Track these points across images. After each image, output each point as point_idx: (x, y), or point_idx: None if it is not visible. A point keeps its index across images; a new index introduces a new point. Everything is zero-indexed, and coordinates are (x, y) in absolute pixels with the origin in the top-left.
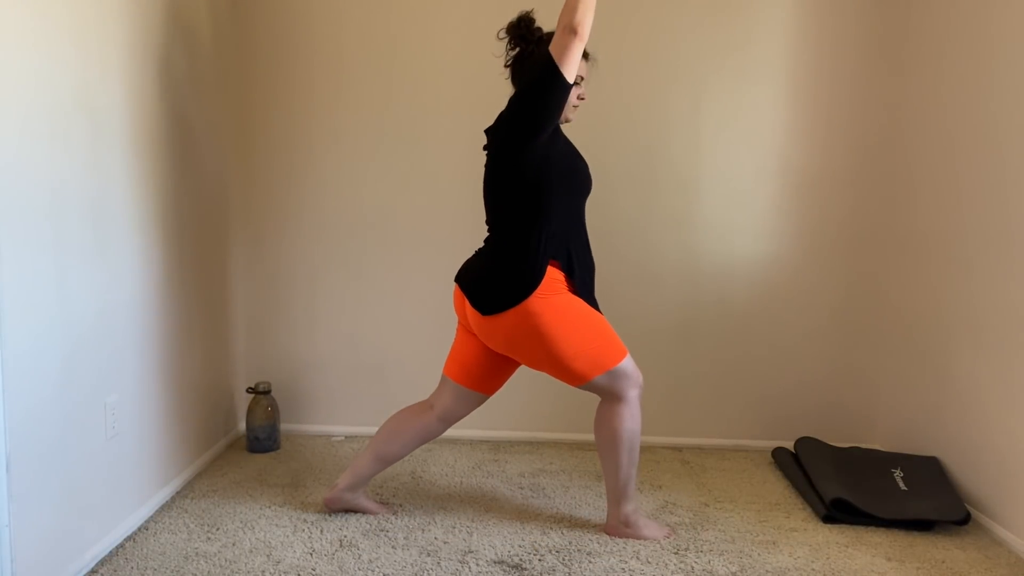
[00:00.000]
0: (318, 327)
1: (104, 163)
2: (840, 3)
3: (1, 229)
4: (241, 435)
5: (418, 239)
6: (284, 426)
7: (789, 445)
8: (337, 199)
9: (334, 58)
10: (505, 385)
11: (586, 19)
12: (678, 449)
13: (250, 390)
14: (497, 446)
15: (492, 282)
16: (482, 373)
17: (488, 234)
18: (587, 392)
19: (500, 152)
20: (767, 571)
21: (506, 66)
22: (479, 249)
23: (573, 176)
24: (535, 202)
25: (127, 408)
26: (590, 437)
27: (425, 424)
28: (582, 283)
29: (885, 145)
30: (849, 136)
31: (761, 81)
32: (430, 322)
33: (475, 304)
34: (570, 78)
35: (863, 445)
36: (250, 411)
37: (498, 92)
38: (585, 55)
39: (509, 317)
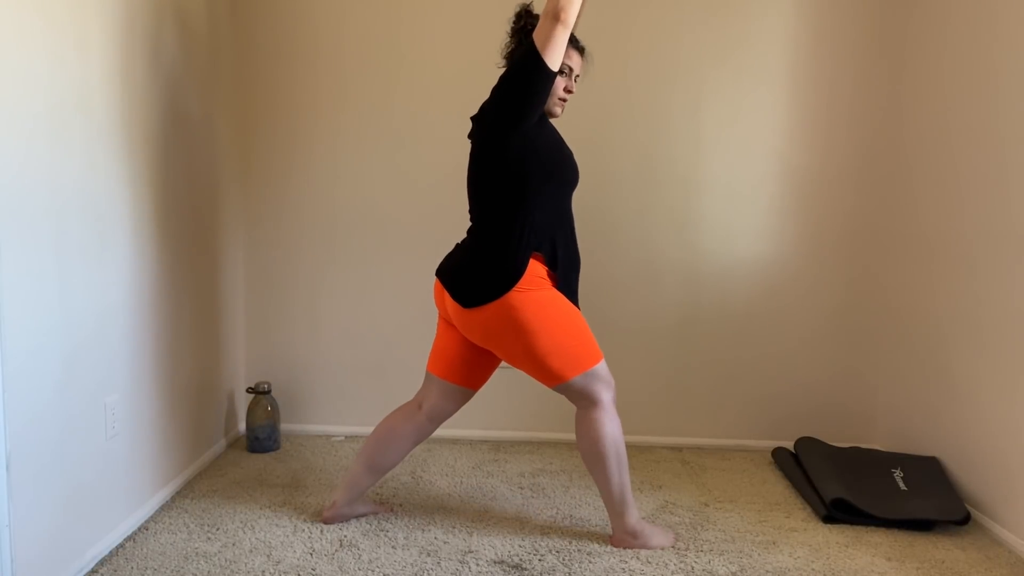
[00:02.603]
0: (318, 327)
1: (104, 163)
2: (840, 4)
3: (1, 229)
4: (241, 435)
5: (419, 239)
6: (284, 426)
7: (789, 445)
8: (338, 199)
9: (335, 58)
10: (505, 385)
11: (570, 6)
12: (678, 449)
13: (250, 390)
14: (497, 446)
15: (473, 274)
16: (466, 368)
17: (471, 225)
18: None
19: (483, 141)
20: (767, 571)
21: (503, 56)
22: (460, 242)
23: (559, 167)
24: (519, 193)
25: (127, 408)
26: None
27: (416, 426)
28: (565, 278)
29: (885, 145)
30: (849, 136)
31: (761, 82)
32: (430, 322)
33: (455, 296)
34: (553, 66)
35: (863, 445)
36: (250, 411)
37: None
38: (581, 50)
39: (489, 310)
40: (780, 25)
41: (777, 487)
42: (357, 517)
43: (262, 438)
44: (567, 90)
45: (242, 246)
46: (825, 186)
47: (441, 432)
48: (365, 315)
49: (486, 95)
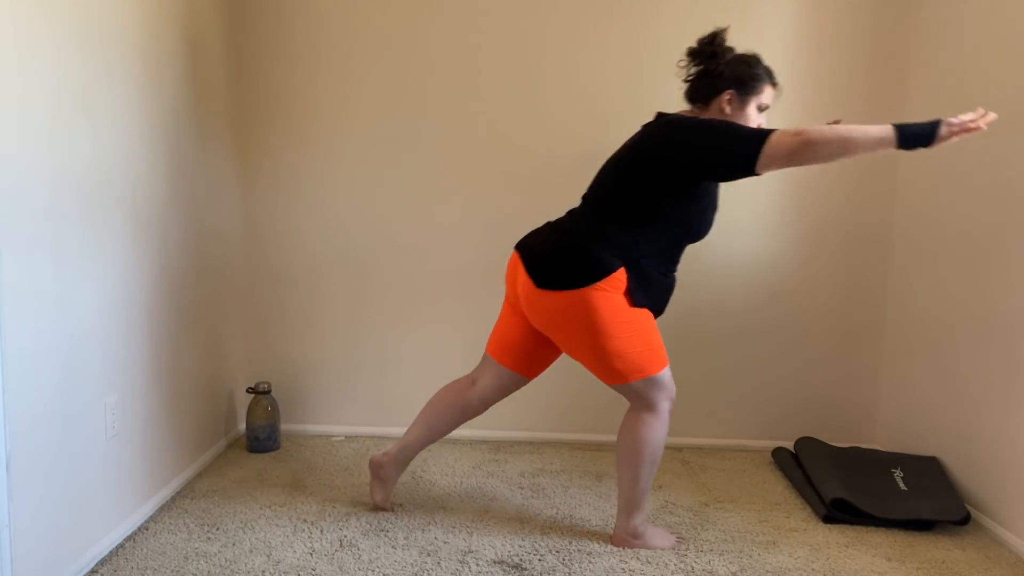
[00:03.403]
0: (318, 327)
1: (104, 164)
2: (842, 3)
3: (1, 229)
4: (241, 435)
5: (418, 240)
6: (284, 426)
7: (789, 445)
8: (337, 200)
9: (337, 61)
10: None
11: (810, 158)
12: (678, 449)
13: (250, 390)
14: (497, 446)
15: (557, 256)
16: (524, 356)
17: (580, 206)
18: (588, 393)
19: (650, 159)
20: (767, 571)
21: (686, 81)
22: (555, 220)
23: (698, 222)
24: (646, 220)
25: (127, 408)
26: (590, 437)
27: (465, 401)
28: (648, 297)
29: None
30: None
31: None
32: (430, 322)
33: (531, 272)
34: (758, 171)
35: (863, 445)
36: (250, 411)
37: (499, 95)
38: (774, 83)
39: (562, 298)
40: (780, 26)
41: (777, 487)
42: (383, 488)
43: (262, 438)
44: (759, 126)
45: (242, 245)
46: (825, 185)
47: None
48: (365, 315)
49: (487, 101)
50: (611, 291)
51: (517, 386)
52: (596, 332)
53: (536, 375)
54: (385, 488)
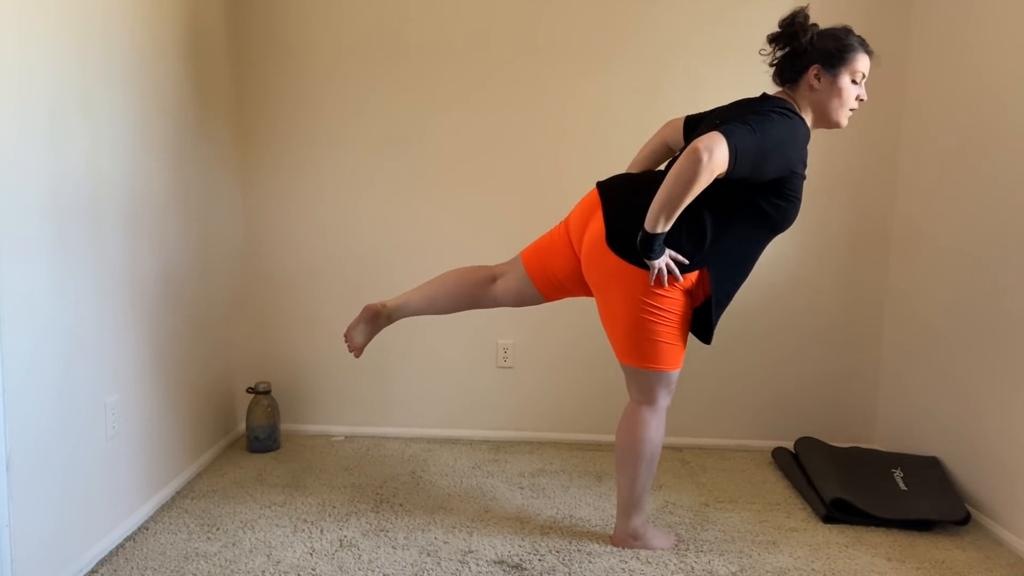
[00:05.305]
0: (318, 327)
1: (104, 163)
2: (841, 4)
3: (2, 229)
4: (241, 435)
5: (417, 240)
6: (284, 426)
7: (789, 445)
8: (337, 200)
9: (337, 59)
10: (505, 385)
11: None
12: (678, 449)
13: (250, 390)
14: (497, 446)
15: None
16: (556, 282)
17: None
18: (588, 393)
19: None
20: (767, 571)
21: (771, 65)
22: (645, 177)
23: (785, 220)
24: (732, 209)
25: (127, 408)
26: (590, 437)
27: (483, 295)
28: (711, 304)
29: (885, 145)
30: (849, 136)
31: (761, 81)
32: (429, 322)
33: (609, 230)
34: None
35: (863, 445)
36: (250, 411)
37: (498, 96)
38: (869, 51)
39: (628, 268)
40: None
41: (777, 487)
42: (368, 333)
43: (262, 438)
44: (859, 99)
45: (242, 245)
46: (825, 185)
47: (441, 432)
48: None
49: (484, 99)
50: (679, 286)
51: (533, 302)
52: (643, 311)
53: (554, 300)
54: (369, 333)
